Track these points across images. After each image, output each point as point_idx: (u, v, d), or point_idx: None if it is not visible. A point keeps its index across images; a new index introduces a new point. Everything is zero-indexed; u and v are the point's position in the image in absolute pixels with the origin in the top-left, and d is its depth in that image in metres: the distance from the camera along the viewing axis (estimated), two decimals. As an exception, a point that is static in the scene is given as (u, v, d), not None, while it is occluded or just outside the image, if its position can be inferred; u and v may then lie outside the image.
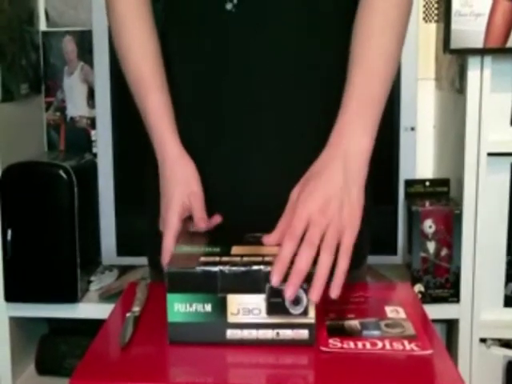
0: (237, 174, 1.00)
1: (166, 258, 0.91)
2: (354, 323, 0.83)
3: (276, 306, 0.78)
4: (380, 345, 0.78)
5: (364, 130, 0.90)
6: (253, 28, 0.98)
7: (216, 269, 0.78)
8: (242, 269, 0.78)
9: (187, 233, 0.94)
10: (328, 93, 0.98)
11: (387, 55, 0.94)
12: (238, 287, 0.78)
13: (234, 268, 0.78)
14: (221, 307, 0.79)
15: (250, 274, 0.78)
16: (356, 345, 0.78)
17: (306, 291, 0.78)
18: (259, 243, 0.86)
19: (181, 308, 0.79)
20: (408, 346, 0.78)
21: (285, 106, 0.99)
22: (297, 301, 0.78)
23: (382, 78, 0.93)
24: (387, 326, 0.83)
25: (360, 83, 0.92)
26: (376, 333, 0.81)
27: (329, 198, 0.84)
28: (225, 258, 0.81)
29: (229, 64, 0.99)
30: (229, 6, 0.97)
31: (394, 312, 0.86)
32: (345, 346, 0.78)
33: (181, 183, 0.97)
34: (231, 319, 0.79)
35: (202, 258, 0.81)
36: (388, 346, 0.78)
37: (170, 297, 0.79)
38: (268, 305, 0.78)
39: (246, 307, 0.79)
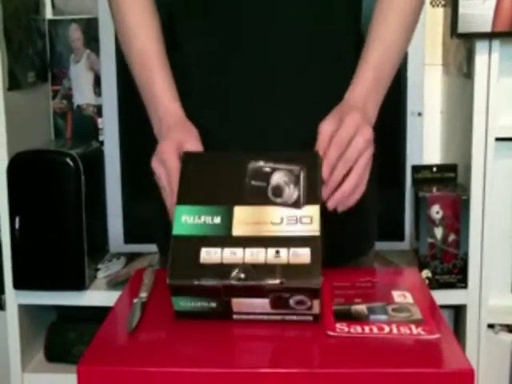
0: None
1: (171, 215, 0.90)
2: (361, 308, 0.83)
3: (280, 305, 0.78)
4: (387, 329, 0.78)
5: (376, 104, 0.97)
6: (266, 10, 0.98)
7: (219, 284, 0.77)
8: (246, 283, 0.77)
9: (184, 158, 0.90)
10: (341, 76, 0.98)
11: (403, 38, 1.01)
12: (242, 295, 0.78)
13: (238, 283, 0.77)
14: (225, 306, 0.79)
15: (254, 287, 0.77)
16: (363, 329, 0.78)
17: (310, 298, 0.78)
18: (261, 201, 0.83)
19: (186, 303, 0.80)
20: (415, 331, 0.78)
21: (297, 90, 1.00)
22: (301, 303, 0.78)
23: (395, 61, 1.00)
24: (394, 310, 0.82)
25: (378, 59, 0.98)
26: (383, 317, 0.81)
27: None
28: (226, 253, 0.79)
29: (241, 46, 0.99)
30: None
31: (401, 297, 0.86)
32: (352, 330, 0.78)
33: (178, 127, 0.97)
34: (236, 310, 0.80)
35: (203, 253, 0.79)
36: (395, 331, 0.78)
37: (174, 298, 0.80)
38: (272, 305, 0.78)
39: (251, 305, 0.79)
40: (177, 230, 0.82)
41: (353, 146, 0.89)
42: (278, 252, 0.79)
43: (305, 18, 0.99)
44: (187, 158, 0.89)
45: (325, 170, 0.87)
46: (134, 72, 1.03)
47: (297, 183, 0.84)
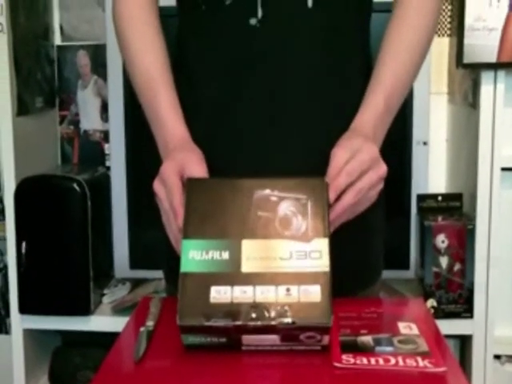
0: None
1: (176, 243, 0.90)
2: (367, 339, 0.83)
3: (290, 338, 0.79)
4: (393, 361, 0.78)
5: (384, 131, 0.98)
6: (276, 44, 0.98)
7: (229, 324, 0.77)
8: (257, 324, 0.77)
9: (188, 183, 0.88)
10: (349, 102, 0.99)
11: (414, 66, 1.01)
12: (253, 332, 0.78)
13: (249, 323, 0.77)
14: (235, 341, 0.79)
15: (265, 327, 0.77)
16: (369, 361, 0.78)
17: (321, 334, 0.78)
18: (269, 233, 0.82)
19: (195, 339, 0.79)
20: (421, 363, 0.78)
21: (306, 115, 1.00)
22: (311, 337, 0.79)
23: (404, 89, 1.00)
24: (400, 342, 0.82)
25: (389, 85, 0.98)
26: (389, 349, 0.81)
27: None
28: (236, 292, 0.78)
29: (250, 79, 0.99)
30: (253, 21, 0.98)
31: (407, 328, 0.86)
32: (358, 361, 0.78)
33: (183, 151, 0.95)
34: (246, 343, 0.80)
35: (213, 292, 0.78)
36: (401, 363, 0.78)
37: (183, 335, 0.79)
38: (282, 338, 0.79)
39: (261, 339, 0.79)
40: (185, 267, 0.81)
41: (366, 178, 0.89)
42: (288, 290, 0.78)
43: (315, 45, 0.99)
44: (191, 185, 0.87)
45: (331, 195, 0.86)
46: (138, 92, 1.03)
47: (304, 213, 0.83)
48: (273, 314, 0.77)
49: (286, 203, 0.84)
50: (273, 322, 0.77)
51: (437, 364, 0.77)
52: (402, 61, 0.99)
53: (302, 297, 0.78)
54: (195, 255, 0.81)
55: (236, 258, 0.81)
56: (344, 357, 0.79)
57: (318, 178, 0.87)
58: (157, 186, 0.92)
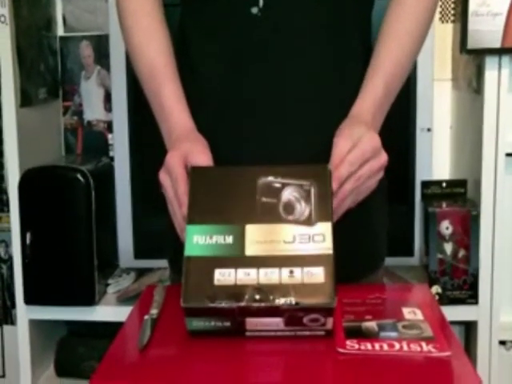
0: None
1: (181, 231, 0.90)
2: (371, 325, 0.83)
3: (294, 322, 0.79)
4: (397, 346, 0.78)
5: (383, 115, 0.99)
6: (277, 32, 0.98)
7: (234, 305, 0.77)
8: (261, 305, 0.77)
9: (192, 172, 0.89)
10: (350, 94, 0.98)
11: (412, 51, 1.01)
12: (257, 315, 0.78)
13: (253, 304, 0.77)
14: (239, 325, 0.79)
15: (269, 308, 0.77)
16: (373, 346, 0.78)
17: (325, 316, 0.78)
18: (273, 218, 0.83)
19: (199, 323, 0.80)
20: (426, 348, 0.78)
21: (309, 111, 1.00)
22: (315, 321, 0.79)
23: (404, 73, 1.00)
24: (404, 327, 0.82)
25: (389, 71, 0.98)
26: (393, 334, 0.81)
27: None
28: (240, 274, 0.79)
29: (250, 68, 0.99)
30: (254, 10, 0.98)
31: (411, 313, 0.86)
32: (362, 347, 0.78)
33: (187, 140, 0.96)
34: (250, 328, 0.80)
35: (217, 274, 0.79)
36: (405, 348, 0.78)
37: (188, 319, 0.80)
38: (286, 323, 0.79)
39: (265, 323, 0.79)
40: (189, 251, 0.81)
41: (367, 166, 0.89)
42: (291, 272, 0.79)
43: (316, 33, 0.99)
44: (195, 174, 0.88)
45: (334, 184, 0.86)
46: (143, 84, 1.03)
47: (308, 199, 0.83)
48: (276, 295, 0.77)
49: (289, 189, 0.84)
50: (276, 303, 0.77)
51: (441, 349, 0.77)
52: (401, 45, 0.99)
53: (306, 278, 0.78)
54: (199, 240, 0.82)
55: (240, 242, 0.81)
56: (348, 342, 0.79)
57: (321, 165, 0.87)
58: (162, 175, 0.93)
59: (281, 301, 0.77)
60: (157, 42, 1.02)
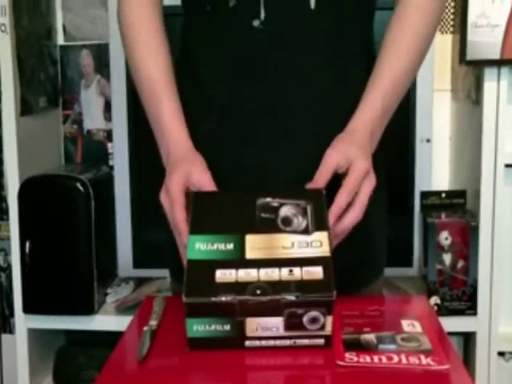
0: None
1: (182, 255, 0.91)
2: (370, 337, 0.83)
3: (294, 324, 0.79)
4: (396, 359, 0.78)
5: (381, 131, 0.99)
6: (279, 45, 0.98)
7: (234, 299, 0.78)
8: (261, 299, 0.78)
9: (194, 195, 0.92)
10: (353, 109, 0.99)
11: (413, 66, 1.01)
12: (257, 313, 0.79)
13: (254, 298, 0.78)
14: (239, 327, 0.79)
15: (270, 303, 0.78)
16: (372, 359, 0.78)
17: (324, 314, 0.78)
18: (271, 229, 0.85)
19: (200, 328, 0.80)
20: (424, 361, 0.78)
21: (312, 120, 1.00)
22: (314, 320, 0.79)
23: (403, 89, 1.01)
24: (403, 340, 0.82)
25: (387, 86, 0.98)
26: (392, 347, 0.81)
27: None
28: (241, 273, 0.80)
29: (255, 79, 0.99)
30: (256, 23, 0.98)
31: (410, 326, 0.86)
32: (361, 360, 0.78)
33: (187, 162, 0.96)
34: (249, 334, 0.80)
35: (218, 274, 0.80)
36: (404, 361, 0.78)
37: (189, 320, 0.80)
38: (286, 324, 0.79)
39: (265, 326, 0.79)
40: (191, 256, 0.83)
41: (363, 193, 0.90)
42: (291, 271, 0.81)
43: (318, 45, 0.99)
44: (197, 198, 0.91)
45: (332, 217, 0.88)
46: (142, 100, 1.03)
47: (304, 215, 0.87)
48: (277, 290, 0.78)
49: (286, 207, 0.88)
50: (277, 297, 0.78)
51: (440, 362, 0.77)
52: (402, 61, 0.99)
53: (305, 276, 0.80)
54: (201, 246, 0.84)
55: (240, 248, 0.83)
56: (347, 355, 0.79)
57: (315, 190, 0.90)
58: (163, 198, 0.94)
59: (281, 295, 0.78)
60: (157, 57, 1.03)
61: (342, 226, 0.90)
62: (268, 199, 0.88)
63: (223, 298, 0.78)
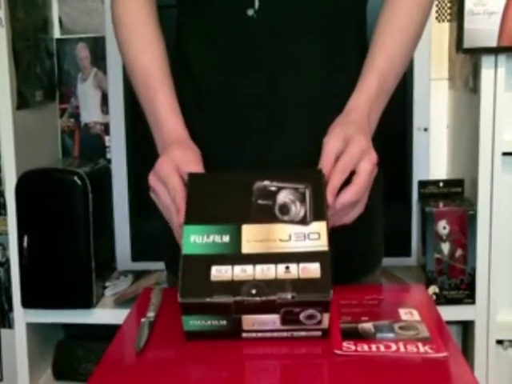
0: None
1: (178, 235, 0.90)
2: (368, 326, 0.83)
3: (291, 320, 0.79)
4: (394, 347, 0.78)
5: (378, 113, 0.98)
6: (273, 34, 0.98)
7: (230, 300, 0.78)
8: (256, 300, 0.77)
9: (190, 179, 0.90)
10: (348, 98, 0.98)
11: (407, 48, 1.01)
12: (253, 311, 0.78)
13: (250, 298, 0.77)
14: (236, 323, 0.79)
15: (265, 302, 0.78)
16: (370, 348, 0.78)
17: (321, 312, 0.78)
18: (269, 219, 0.84)
19: (196, 322, 0.79)
20: (422, 349, 0.78)
21: (308, 111, 1.00)
22: (311, 317, 0.79)
23: (399, 71, 1.00)
24: (401, 328, 0.82)
25: (382, 68, 0.98)
26: (390, 335, 0.81)
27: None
28: (237, 270, 0.79)
29: (250, 70, 0.99)
30: (250, 12, 0.98)
31: (408, 314, 0.86)
32: (359, 348, 0.78)
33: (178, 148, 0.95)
34: (246, 328, 0.80)
35: (214, 271, 0.79)
36: (402, 349, 0.78)
37: (184, 317, 0.80)
38: (283, 321, 0.79)
39: (261, 321, 0.79)
40: (186, 250, 0.82)
41: (362, 170, 0.89)
42: (287, 268, 0.79)
43: (312, 34, 0.99)
44: (192, 179, 0.89)
45: (329, 196, 0.87)
46: (137, 92, 1.03)
47: (303, 201, 0.84)
48: (273, 290, 0.77)
49: (284, 192, 0.85)
50: (272, 297, 0.77)
51: (438, 350, 0.77)
52: (396, 42, 0.99)
53: (302, 273, 0.79)
54: (196, 239, 0.83)
55: (236, 241, 0.82)
56: (345, 344, 0.79)
57: (315, 170, 0.88)
58: (153, 180, 0.92)
59: (277, 295, 0.77)
60: (152, 51, 1.02)
61: (341, 201, 0.87)
62: (266, 182, 0.86)
63: (218, 300, 0.78)
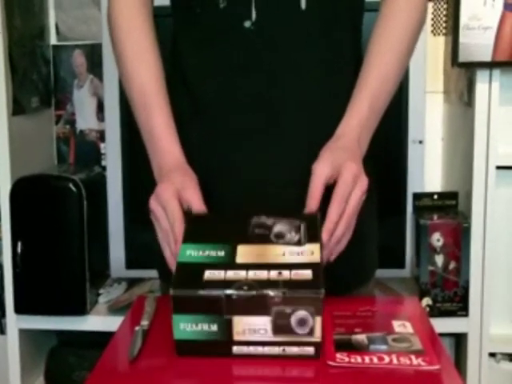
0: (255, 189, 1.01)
1: (172, 263, 0.91)
2: (362, 337, 0.83)
3: (282, 326, 0.78)
4: (387, 359, 0.78)
5: (370, 134, 0.98)
6: (270, 46, 0.98)
7: (221, 293, 0.78)
8: (248, 294, 0.78)
9: (187, 216, 0.92)
10: (343, 108, 0.99)
11: (399, 67, 1.01)
12: (244, 310, 0.78)
13: (241, 293, 0.78)
14: (226, 327, 0.79)
15: (256, 298, 0.78)
16: (363, 359, 0.78)
17: (313, 314, 0.78)
18: (265, 241, 0.85)
19: (187, 327, 0.79)
20: (415, 361, 0.78)
21: (307, 111, 1.00)
22: (303, 322, 0.78)
23: (392, 88, 1.00)
24: (394, 340, 0.83)
25: (374, 88, 0.98)
26: (383, 347, 0.81)
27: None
28: (230, 273, 0.80)
29: (250, 70, 0.99)
30: (247, 24, 0.98)
31: (401, 326, 0.86)
32: (352, 360, 0.78)
33: (177, 174, 0.96)
34: (237, 337, 0.79)
35: (207, 273, 0.80)
36: (395, 361, 0.78)
37: (175, 317, 0.79)
38: (274, 326, 0.78)
39: (252, 328, 0.79)
40: (181, 259, 0.84)
41: (352, 201, 0.90)
42: (280, 273, 0.80)
43: (309, 46, 0.99)
44: (190, 218, 0.91)
45: (325, 234, 0.88)
46: (134, 110, 1.02)
47: (297, 231, 0.87)
48: (264, 286, 0.78)
49: (280, 224, 0.88)
50: (264, 292, 0.77)
51: (430, 362, 0.78)
52: (388, 61, 0.99)
53: (294, 277, 0.80)
54: (192, 253, 0.84)
55: (231, 255, 0.83)
56: (338, 355, 0.79)
57: (311, 213, 0.91)
58: (154, 205, 0.94)
59: (268, 290, 0.78)
60: (147, 66, 1.02)
61: (336, 234, 0.89)
62: (262, 218, 0.89)
63: (210, 292, 0.78)
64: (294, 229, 0.87)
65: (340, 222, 0.89)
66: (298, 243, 0.85)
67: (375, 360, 0.78)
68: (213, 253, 0.84)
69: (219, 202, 0.98)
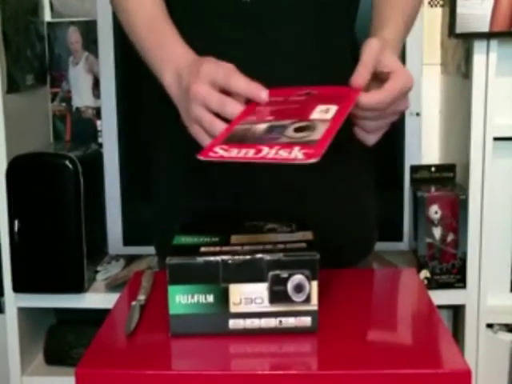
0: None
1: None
2: (262, 127, 0.72)
3: (278, 294, 0.78)
4: (265, 151, 0.68)
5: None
6: (267, 20, 0.97)
7: (218, 259, 0.78)
8: (244, 258, 0.78)
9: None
10: (339, 80, 0.98)
11: (405, 32, 1.00)
12: (240, 277, 0.78)
13: (236, 257, 0.78)
14: (223, 297, 0.79)
15: (252, 262, 0.78)
16: (239, 152, 0.69)
17: (309, 278, 0.78)
18: (258, 231, 0.86)
19: (182, 300, 0.79)
20: (293, 154, 0.67)
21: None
22: (299, 288, 0.78)
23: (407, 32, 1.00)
24: (297, 129, 0.71)
25: (405, 16, 0.98)
26: (276, 137, 0.70)
27: None
28: (225, 248, 0.81)
29: (241, 56, 0.98)
30: None
31: (322, 112, 0.74)
32: (225, 154, 0.69)
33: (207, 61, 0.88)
34: (233, 309, 0.79)
35: (203, 249, 0.81)
36: (272, 154, 0.67)
37: (171, 289, 0.79)
38: (270, 293, 0.78)
39: (249, 296, 0.79)
40: (176, 242, 0.84)
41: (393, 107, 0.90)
42: (275, 245, 0.81)
43: (305, 20, 0.98)
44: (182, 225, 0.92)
45: (357, 79, 0.86)
46: (139, 38, 0.98)
47: (289, 226, 0.89)
48: (260, 252, 0.79)
49: (274, 224, 0.90)
50: (260, 255, 0.78)
51: (310, 155, 0.66)
52: (400, 20, 0.98)
53: (289, 246, 0.80)
54: (187, 240, 0.85)
55: (225, 240, 0.84)
56: (216, 149, 0.70)
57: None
58: (197, 111, 0.84)
59: (265, 254, 0.78)
60: (153, 2, 0.99)
61: (371, 99, 0.87)
62: (255, 223, 0.90)
63: (206, 258, 0.78)
64: (288, 230, 0.88)
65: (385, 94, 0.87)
66: (291, 232, 0.86)
67: (251, 153, 0.68)
68: (207, 239, 0.84)
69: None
